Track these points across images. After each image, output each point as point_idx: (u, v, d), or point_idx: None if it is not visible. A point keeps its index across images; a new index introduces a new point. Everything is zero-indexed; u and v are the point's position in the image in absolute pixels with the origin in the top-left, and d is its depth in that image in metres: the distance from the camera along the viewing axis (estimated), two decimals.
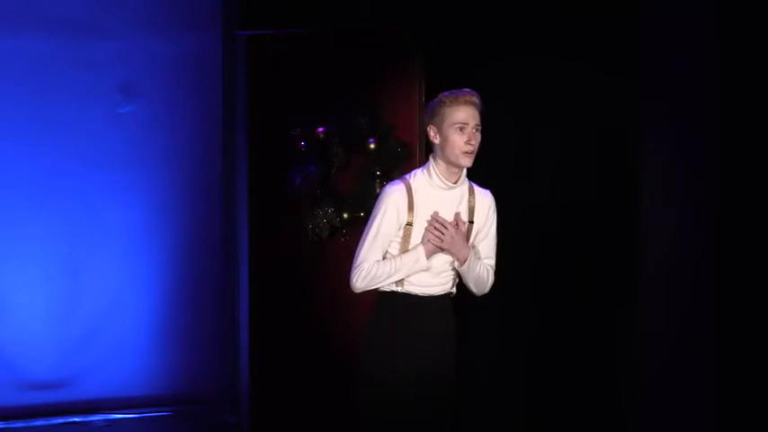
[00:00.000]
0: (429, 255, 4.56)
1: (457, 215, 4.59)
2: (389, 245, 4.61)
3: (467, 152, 4.53)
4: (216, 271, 7.19)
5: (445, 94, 4.59)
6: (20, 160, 6.88)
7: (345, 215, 6.21)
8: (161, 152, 7.10)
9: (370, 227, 4.60)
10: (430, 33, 6.24)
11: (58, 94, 6.92)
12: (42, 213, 6.91)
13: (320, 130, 6.29)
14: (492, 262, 4.73)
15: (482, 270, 4.67)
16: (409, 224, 4.58)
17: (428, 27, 6.24)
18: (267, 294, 6.55)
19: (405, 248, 4.58)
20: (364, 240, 4.61)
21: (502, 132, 6.21)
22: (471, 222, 4.65)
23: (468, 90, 4.59)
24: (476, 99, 4.57)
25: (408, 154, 6.19)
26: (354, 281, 4.61)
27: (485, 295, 4.73)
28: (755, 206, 5.53)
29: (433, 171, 4.61)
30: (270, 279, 6.54)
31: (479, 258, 4.68)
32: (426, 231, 4.56)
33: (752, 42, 5.51)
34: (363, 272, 4.58)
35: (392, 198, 4.58)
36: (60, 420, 6.93)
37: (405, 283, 4.60)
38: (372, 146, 6.18)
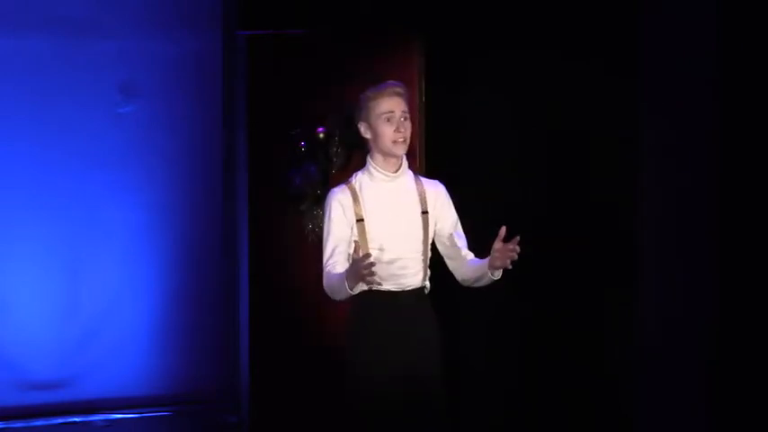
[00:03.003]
0: (352, 285, 4.51)
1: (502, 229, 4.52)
2: (350, 245, 4.65)
3: (397, 141, 4.62)
4: (216, 271, 7.19)
5: (369, 89, 4.65)
6: (20, 160, 6.88)
7: None
8: (161, 152, 7.10)
9: (324, 230, 4.68)
10: (430, 33, 6.24)
11: (58, 94, 6.92)
12: (42, 213, 6.90)
13: (320, 130, 6.29)
14: (465, 242, 4.79)
15: (476, 267, 4.69)
16: (360, 220, 4.62)
17: (428, 26, 6.24)
18: (267, 294, 6.55)
19: (364, 246, 4.61)
20: (323, 244, 4.68)
21: (501, 131, 6.23)
22: (426, 213, 4.68)
23: (391, 82, 4.67)
24: (400, 89, 4.64)
25: (408, 153, 6.18)
26: (323, 282, 4.70)
27: (479, 288, 4.75)
28: (755, 205, 5.53)
29: (371, 166, 4.68)
30: (270, 279, 6.53)
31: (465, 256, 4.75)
32: (363, 269, 4.40)
33: (752, 43, 5.51)
34: (324, 278, 4.66)
35: (335, 198, 4.66)
36: (60, 420, 6.93)
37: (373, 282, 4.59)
38: None
